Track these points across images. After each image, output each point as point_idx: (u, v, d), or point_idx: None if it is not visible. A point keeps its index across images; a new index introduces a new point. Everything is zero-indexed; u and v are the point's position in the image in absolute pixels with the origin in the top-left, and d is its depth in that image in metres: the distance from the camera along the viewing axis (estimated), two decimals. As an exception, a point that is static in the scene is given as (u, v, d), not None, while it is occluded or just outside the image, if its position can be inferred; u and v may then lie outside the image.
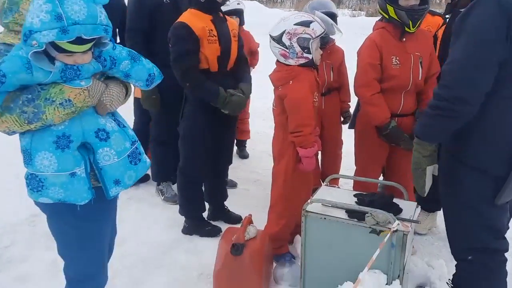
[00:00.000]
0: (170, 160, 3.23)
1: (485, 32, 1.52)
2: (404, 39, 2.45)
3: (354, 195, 2.16)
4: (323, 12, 2.96)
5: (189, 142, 2.72)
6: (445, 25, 3.10)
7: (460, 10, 2.54)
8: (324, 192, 2.22)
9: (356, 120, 2.78)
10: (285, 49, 2.26)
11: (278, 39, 2.27)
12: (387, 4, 2.37)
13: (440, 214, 2.97)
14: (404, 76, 2.46)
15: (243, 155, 4.43)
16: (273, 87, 2.44)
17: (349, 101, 3.32)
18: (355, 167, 2.83)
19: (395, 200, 2.07)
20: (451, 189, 1.77)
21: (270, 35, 2.33)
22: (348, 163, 3.35)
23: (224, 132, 2.79)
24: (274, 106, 2.47)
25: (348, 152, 3.15)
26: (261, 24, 7.68)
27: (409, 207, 2.06)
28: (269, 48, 2.35)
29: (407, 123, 2.54)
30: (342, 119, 3.34)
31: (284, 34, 2.24)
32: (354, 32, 9.79)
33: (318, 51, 2.33)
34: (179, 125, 2.78)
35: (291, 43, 2.23)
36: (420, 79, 2.50)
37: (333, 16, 3.08)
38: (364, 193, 2.18)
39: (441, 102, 1.62)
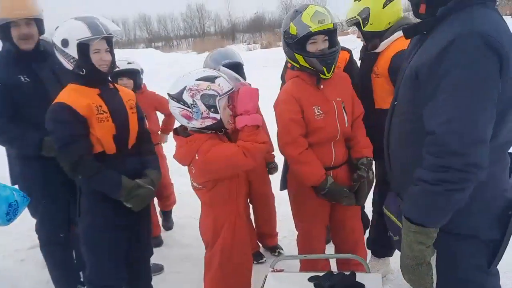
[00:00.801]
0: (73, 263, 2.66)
1: (483, 76, 1.23)
2: (321, 86, 2.20)
3: (309, 279, 1.80)
4: (227, 63, 2.68)
5: (92, 246, 2.16)
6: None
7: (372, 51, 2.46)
8: (272, 282, 1.83)
9: (288, 181, 2.45)
10: (187, 109, 1.91)
11: (178, 97, 1.92)
12: (295, 54, 2.12)
13: (394, 260, 2.75)
14: (330, 126, 2.21)
15: (168, 226, 3.85)
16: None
17: (273, 151, 3.05)
18: (296, 232, 2.50)
19: (357, 276, 1.75)
20: (445, 266, 1.42)
21: (168, 93, 1.97)
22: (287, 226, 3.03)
23: (136, 223, 2.24)
24: (196, 185, 2.06)
25: (286, 214, 2.82)
26: (159, 71, 7.29)
27: (374, 282, 1.75)
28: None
29: (342, 175, 2.29)
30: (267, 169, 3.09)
31: (185, 91, 1.91)
32: (254, 65, 9.86)
33: (227, 111, 1.99)
34: (76, 225, 2.21)
35: (194, 101, 1.90)
36: (347, 126, 2.26)
37: (238, 66, 2.80)
38: (320, 274, 1.83)
39: (449, 174, 1.25)
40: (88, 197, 2.13)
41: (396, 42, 2.32)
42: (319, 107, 2.17)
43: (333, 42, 2.16)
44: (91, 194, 2.11)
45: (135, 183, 2.06)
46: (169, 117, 3.57)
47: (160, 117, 3.62)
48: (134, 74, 3.22)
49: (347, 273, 1.80)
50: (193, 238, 3.32)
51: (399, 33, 2.26)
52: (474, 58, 1.22)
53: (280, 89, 2.44)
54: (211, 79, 1.93)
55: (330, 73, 2.14)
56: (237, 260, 2.08)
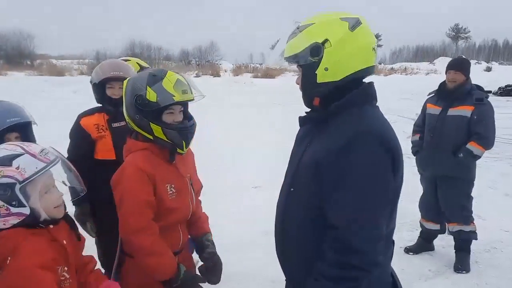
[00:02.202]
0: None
1: (382, 175, 1.32)
2: (174, 161, 1.94)
3: None
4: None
5: None
6: None
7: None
8: None
9: (123, 277, 1.96)
10: None
11: None
12: (151, 123, 1.82)
13: None
14: (184, 206, 1.96)
15: None
16: None
17: None
18: None
19: None
20: None
21: None
22: None
23: None
24: None
25: None
26: None
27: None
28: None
29: (186, 257, 2.08)
30: None
31: None
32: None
33: (50, 196, 1.49)
34: None
35: None
36: (194, 203, 2.06)
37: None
38: None
39: (347, 272, 1.31)
40: None
41: None
42: (173, 185, 1.90)
43: (186, 114, 1.95)
44: None
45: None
46: None
47: None
48: None
49: None
50: None
51: None
52: (373, 158, 1.30)
53: None
54: (5, 161, 1.41)
55: (187, 148, 1.93)
56: None
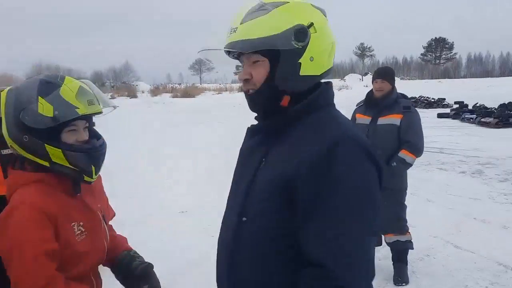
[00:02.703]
0: None
1: (373, 195, 1.07)
2: (79, 193, 1.52)
3: None
4: None
5: None
6: None
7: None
8: None
9: None
10: None
11: None
12: (47, 145, 1.39)
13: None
14: (97, 248, 1.54)
15: None
16: None
17: None
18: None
19: None
20: None
21: None
22: None
23: None
24: None
25: None
26: None
27: None
28: None
29: None
30: None
31: None
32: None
33: None
34: None
35: None
36: (108, 240, 1.63)
37: None
38: None
39: None
40: None
41: None
42: (81, 223, 1.48)
43: (92, 131, 1.54)
44: None
45: None
46: None
47: None
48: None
49: None
50: None
51: None
52: (363, 171, 1.04)
53: None
54: None
55: (97, 174, 1.52)
56: None
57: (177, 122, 15.92)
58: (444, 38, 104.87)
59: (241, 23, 1.09)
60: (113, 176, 6.10)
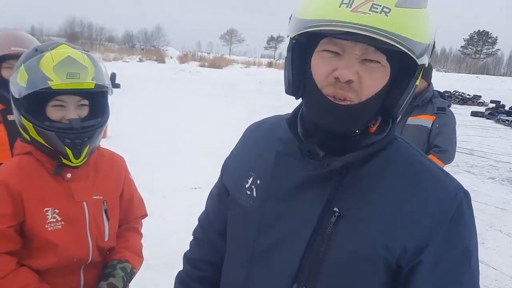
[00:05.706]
0: None
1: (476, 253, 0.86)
2: (68, 175, 1.36)
3: None
4: None
5: None
6: None
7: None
8: None
9: None
10: None
11: None
12: (22, 117, 1.28)
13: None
14: (74, 243, 1.34)
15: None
16: None
17: None
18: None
19: None
20: None
21: None
22: None
23: None
24: None
25: None
26: None
27: None
28: None
29: None
30: None
31: None
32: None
33: None
34: None
35: None
36: (107, 239, 1.43)
37: None
38: None
39: None
40: None
41: None
42: (56, 210, 1.31)
43: (96, 111, 1.37)
44: None
45: None
46: None
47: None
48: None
49: None
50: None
51: None
52: (474, 230, 0.83)
53: None
54: None
55: (81, 159, 1.33)
56: None
57: (203, 93, 15.76)
58: (488, 32, 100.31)
59: (396, 5, 0.71)
60: (131, 143, 6.05)
